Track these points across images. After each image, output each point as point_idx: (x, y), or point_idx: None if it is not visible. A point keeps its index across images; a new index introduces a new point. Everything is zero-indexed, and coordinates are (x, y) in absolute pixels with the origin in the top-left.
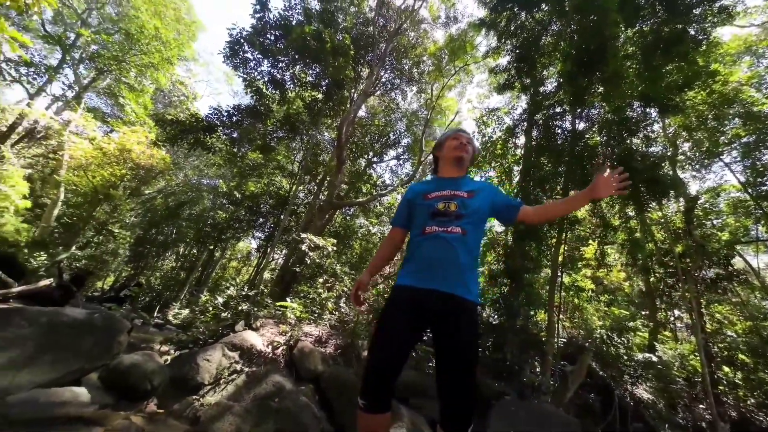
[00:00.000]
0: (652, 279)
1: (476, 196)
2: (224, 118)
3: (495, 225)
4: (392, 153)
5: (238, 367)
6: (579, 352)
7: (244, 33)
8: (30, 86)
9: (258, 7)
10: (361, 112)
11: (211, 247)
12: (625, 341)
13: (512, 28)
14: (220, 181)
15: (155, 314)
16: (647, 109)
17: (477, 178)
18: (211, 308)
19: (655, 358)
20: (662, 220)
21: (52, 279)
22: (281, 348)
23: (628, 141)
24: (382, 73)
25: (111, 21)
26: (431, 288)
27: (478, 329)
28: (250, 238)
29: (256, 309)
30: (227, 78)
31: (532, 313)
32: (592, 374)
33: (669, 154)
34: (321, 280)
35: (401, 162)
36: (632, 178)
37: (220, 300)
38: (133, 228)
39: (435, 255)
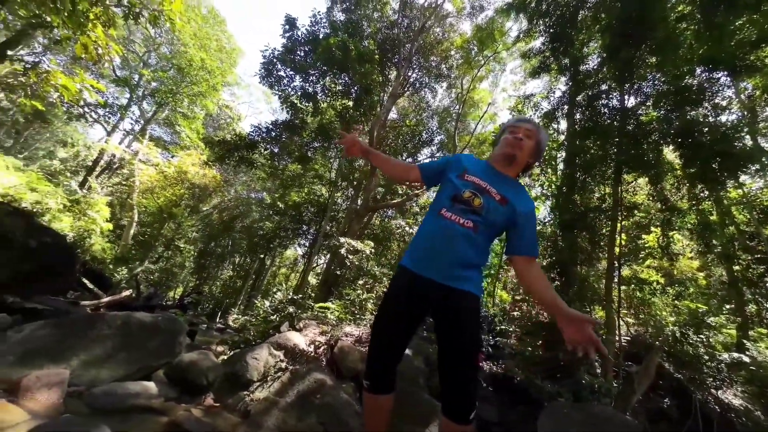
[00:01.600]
0: (736, 267)
1: (506, 207)
2: (264, 135)
3: (542, 217)
4: (426, 151)
5: (283, 365)
6: (646, 350)
7: (276, 53)
8: (107, 125)
9: (287, 26)
10: (393, 115)
11: (262, 255)
12: (704, 338)
13: (543, 8)
14: (265, 193)
15: (218, 320)
16: (714, 74)
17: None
18: (261, 312)
19: (746, 358)
20: (744, 199)
21: (131, 290)
22: (323, 347)
23: (691, 112)
24: (409, 74)
25: (165, 59)
26: (431, 278)
27: (478, 320)
28: (296, 245)
29: (299, 311)
30: (266, 97)
31: (587, 309)
32: (664, 376)
33: (746, 121)
34: (361, 281)
35: (436, 160)
36: (698, 153)
37: (268, 304)
38: (196, 242)
39: (441, 243)
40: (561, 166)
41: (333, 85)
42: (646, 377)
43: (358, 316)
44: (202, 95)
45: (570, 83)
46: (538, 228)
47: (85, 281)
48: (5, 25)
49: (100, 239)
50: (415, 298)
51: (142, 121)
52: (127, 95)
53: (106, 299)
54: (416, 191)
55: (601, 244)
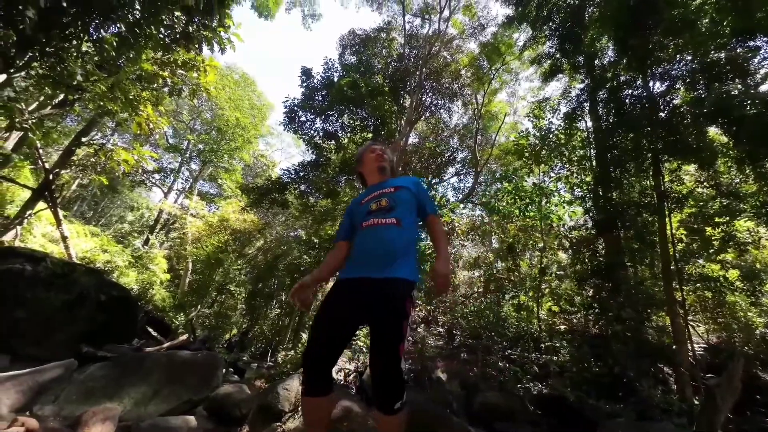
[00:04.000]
0: None
1: (402, 189)
2: (293, 176)
3: (576, 221)
4: (451, 170)
5: None
6: (729, 359)
7: (296, 101)
8: (163, 187)
9: (304, 77)
10: (413, 140)
11: None
12: None
13: (545, 13)
14: (300, 230)
15: (268, 358)
16: (750, 43)
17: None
18: (300, 345)
19: None
20: None
21: (188, 334)
22: (352, 374)
23: (731, 87)
24: (423, 98)
25: (207, 123)
26: (364, 276)
27: (405, 303)
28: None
29: None
30: (295, 141)
31: (645, 314)
32: (762, 388)
33: None
34: None
35: (461, 177)
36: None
37: (305, 336)
38: (245, 284)
39: (370, 245)
40: (588, 165)
41: (351, 121)
42: (730, 390)
43: None
44: (238, 149)
45: (587, 80)
46: (573, 233)
47: (149, 328)
48: (80, 116)
49: (160, 289)
50: (350, 299)
51: (191, 180)
52: (179, 159)
53: (166, 344)
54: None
55: (651, 241)
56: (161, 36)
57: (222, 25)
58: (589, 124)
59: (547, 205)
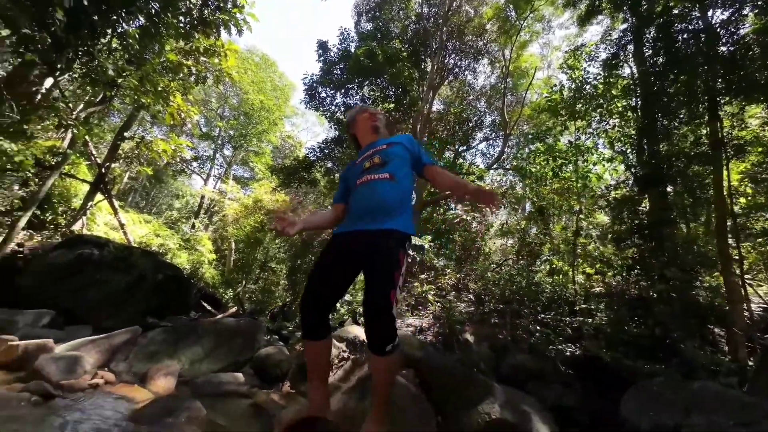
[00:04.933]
0: None
1: (395, 145)
2: (318, 154)
3: (617, 179)
4: (479, 135)
5: (345, 354)
6: None
7: (315, 77)
8: (203, 174)
9: (320, 51)
10: (437, 106)
11: None
12: None
13: None
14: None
15: None
16: None
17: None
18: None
19: None
20: None
21: (237, 306)
22: None
23: None
24: (446, 61)
25: (234, 108)
26: (359, 229)
27: (397, 253)
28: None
29: (360, 307)
30: (319, 120)
31: (693, 274)
32: None
33: None
34: (423, 276)
35: (490, 142)
36: None
37: (338, 305)
38: (285, 261)
39: (365, 200)
40: (631, 116)
41: (372, 93)
42: None
43: (414, 306)
44: (265, 132)
45: (632, 18)
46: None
47: (203, 303)
48: (120, 111)
49: (209, 268)
50: (344, 250)
51: (225, 165)
52: (213, 146)
53: (219, 316)
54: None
55: (705, 195)
56: (180, 24)
57: (236, 5)
58: (632, 70)
59: (585, 164)
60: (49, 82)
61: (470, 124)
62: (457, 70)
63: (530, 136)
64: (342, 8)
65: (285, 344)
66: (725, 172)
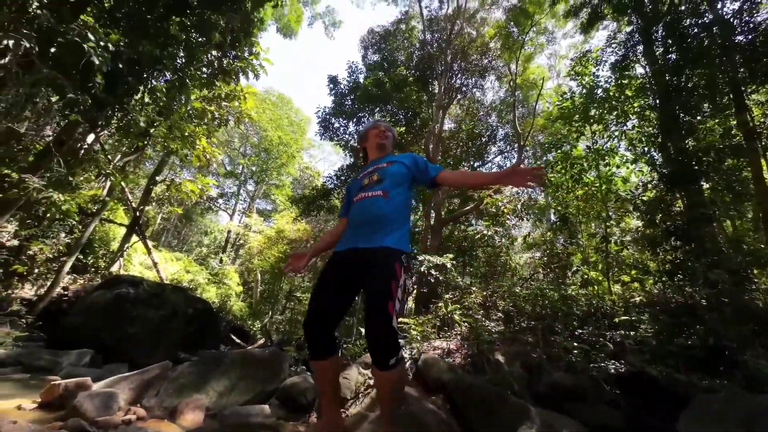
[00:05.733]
0: None
1: (395, 163)
2: (335, 182)
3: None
4: (493, 150)
5: (371, 382)
6: None
7: (327, 109)
8: (228, 210)
9: (331, 85)
10: (449, 125)
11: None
12: None
13: None
14: None
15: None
16: None
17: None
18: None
19: None
20: None
21: (264, 338)
22: (408, 362)
23: None
24: (453, 81)
25: (255, 146)
26: (354, 247)
27: (393, 265)
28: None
29: None
30: (334, 149)
31: (743, 275)
32: None
33: None
34: (448, 295)
35: (506, 155)
36: None
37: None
38: (311, 290)
39: (360, 217)
40: (649, 115)
41: (383, 118)
42: None
43: (440, 328)
44: (284, 165)
45: (637, 20)
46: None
47: (232, 336)
48: (152, 158)
49: (237, 300)
50: (342, 268)
51: (249, 200)
52: (237, 183)
53: (248, 348)
54: (489, 192)
55: (745, 189)
56: (203, 74)
57: (251, 53)
58: (645, 70)
59: (607, 168)
60: (91, 138)
61: (483, 140)
62: (464, 88)
63: (546, 146)
64: (348, 42)
65: (311, 373)
66: (764, 163)
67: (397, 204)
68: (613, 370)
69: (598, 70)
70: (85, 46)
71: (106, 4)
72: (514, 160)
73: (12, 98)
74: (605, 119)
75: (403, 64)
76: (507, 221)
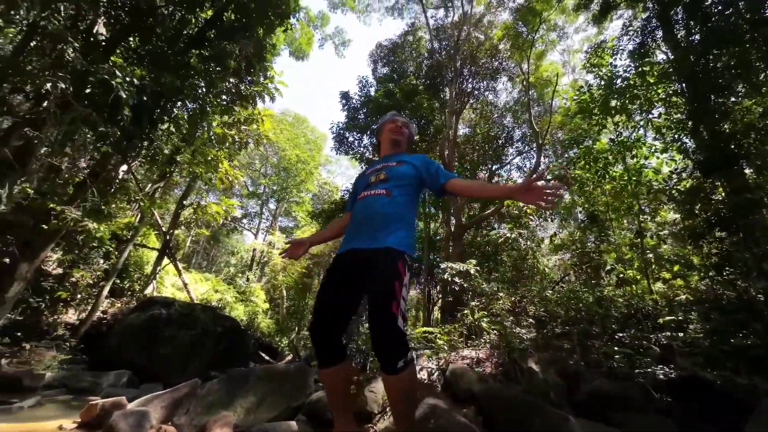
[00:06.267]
0: None
1: (405, 164)
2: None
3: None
4: (511, 151)
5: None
6: None
7: (341, 124)
8: (252, 229)
9: (344, 100)
10: (463, 130)
11: None
12: None
13: None
14: None
15: (367, 369)
16: None
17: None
18: None
19: None
20: None
21: (291, 354)
22: (436, 373)
23: None
24: (464, 86)
25: (274, 166)
26: (353, 248)
27: (395, 265)
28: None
29: (410, 343)
30: (351, 163)
31: None
32: None
33: None
34: (473, 302)
35: (524, 155)
36: None
37: None
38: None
39: (362, 216)
40: (676, 100)
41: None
42: None
43: (467, 337)
44: (303, 182)
45: (653, 4)
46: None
47: (261, 353)
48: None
49: (264, 317)
50: (344, 271)
51: (271, 218)
52: (259, 203)
53: (276, 365)
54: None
55: None
56: (223, 101)
57: (266, 77)
58: (667, 55)
59: (636, 159)
60: (123, 168)
61: (499, 142)
62: (476, 92)
63: (566, 142)
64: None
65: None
66: None
67: (401, 204)
68: (662, 376)
69: (615, 59)
70: (113, 82)
71: (132, 44)
72: (533, 161)
73: (53, 136)
74: (628, 109)
75: (413, 74)
76: (530, 223)
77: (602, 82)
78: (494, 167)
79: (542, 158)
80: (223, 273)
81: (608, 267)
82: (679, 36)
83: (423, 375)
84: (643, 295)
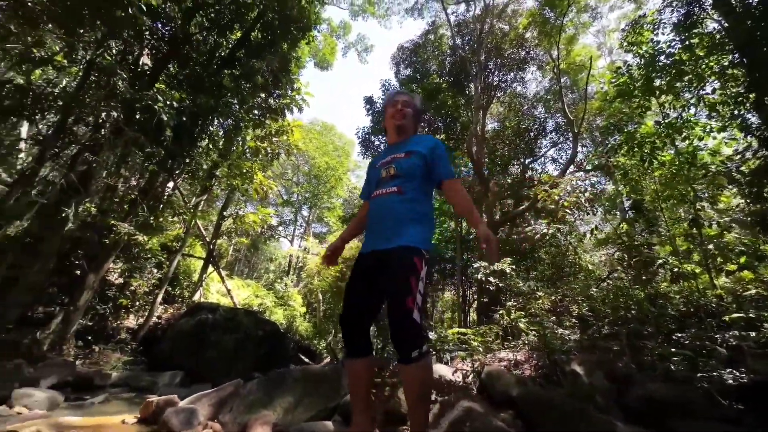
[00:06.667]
0: None
1: (413, 155)
2: None
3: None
4: (545, 142)
5: (432, 397)
6: None
7: (367, 129)
8: (288, 236)
9: (368, 106)
10: (492, 124)
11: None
12: None
13: None
14: None
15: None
16: None
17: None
18: None
19: None
20: None
21: (329, 356)
22: (471, 375)
23: None
24: (490, 80)
25: (306, 174)
26: (372, 249)
27: (410, 264)
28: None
29: (443, 345)
30: None
31: None
32: None
33: None
34: (511, 302)
35: (559, 146)
36: None
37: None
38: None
39: (377, 216)
40: (732, 73)
41: (420, 128)
42: None
43: (503, 338)
44: (333, 188)
45: None
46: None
47: (300, 355)
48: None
49: (302, 321)
50: (363, 274)
51: (305, 225)
52: (293, 210)
53: (312, 366)
54: (543, 187)
55: None
56: (254, 116)
57: (293, 89)
58: (716, 25)
59: (688, 142)
60: (170, 185)
61: (531, 134)
62: (503, 85)
63: (606, 129)
64: (382, 61)
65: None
66: None
67: (413, 200)
68: (730, 380)
69: (656, 35)
70: (156, 107)
71: (172, 70)
72: (569, 152)
73: (109, 160)
74: (675, 88)
75: (436, 73)
76: (569, 217)
77: (643, 61)
78: (527, 161)
79: (579, 147)
80: (263, 279)
81: (659, 261)
82: (732, 0)
83: (457, 377)
84: (704, 291)
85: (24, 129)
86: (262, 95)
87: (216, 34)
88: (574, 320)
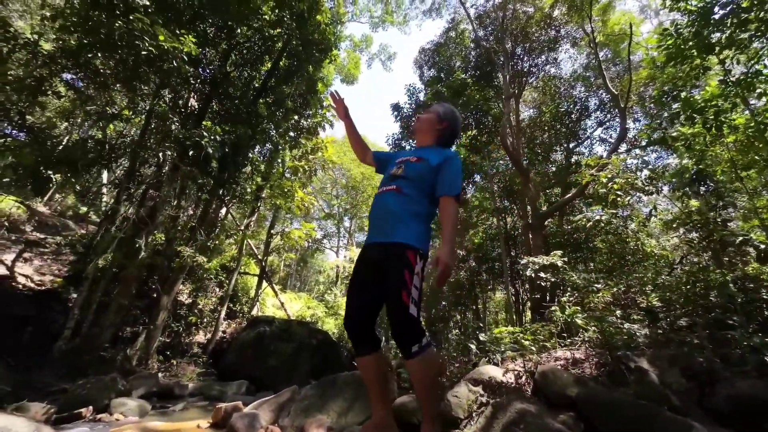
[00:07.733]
0: None
1: (422, 161)
2: None
3: None
4: (589, 123)
5: (483, 399)
6: None
7: (395, 135)
8: (334, 248)
9: (396, 112)
10: (527, 112)
11: (474, 307)
12: None
13: None
14: None
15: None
16: None
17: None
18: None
19: None
20: None
21: None
22: (524, 376)
23: None
24: (519, 67)
25: (343, 186)
26: (372, 242)
27: (404, 258)
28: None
29: (493, 345)
30: None
31: None
32: None
33: None
34: (565, 298)
35: (606, 125)
36: None
37: (473, 347)
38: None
39: (376, 212)
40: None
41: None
42: None
43: (558, 335)
44: (370, 197)
45: None
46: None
47: (354, 363)
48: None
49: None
50: (367, 264)
51: (347, 235)
52: (334, 222)
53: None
54: (590, 171)
55: None
56: (290, 138)
57: (322, 107)
58: None
59: (764, 99)
60: (223, 210)
61: (573, 117)
62: (534, 69)
63: (658, 98)
64: (406, 65)
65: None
66: None
67: (411, 201)
68: None
69: None
70: (203, 142)
71: (215, 107)
72: (618, 129)
73: (170, 194)
74: (738, 40)
75: (460, 69)
76: (625, 199)
77: (692, 18)
78: (571, 145)
79: (630, 123)
80: (314, 291)
81: (740, 239)
82: None
83: (509, 378)
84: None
85: (104, 176)
86: (295, 117)
87: (249, 68)
88: (641, 312)
